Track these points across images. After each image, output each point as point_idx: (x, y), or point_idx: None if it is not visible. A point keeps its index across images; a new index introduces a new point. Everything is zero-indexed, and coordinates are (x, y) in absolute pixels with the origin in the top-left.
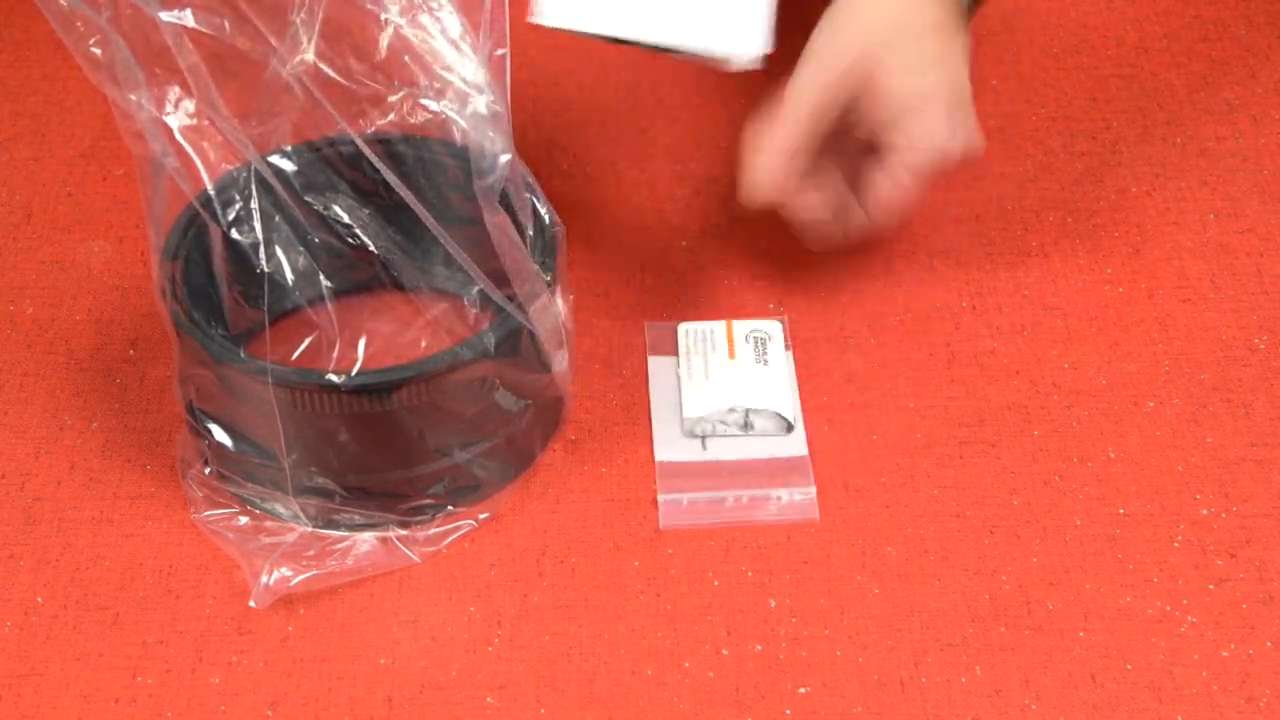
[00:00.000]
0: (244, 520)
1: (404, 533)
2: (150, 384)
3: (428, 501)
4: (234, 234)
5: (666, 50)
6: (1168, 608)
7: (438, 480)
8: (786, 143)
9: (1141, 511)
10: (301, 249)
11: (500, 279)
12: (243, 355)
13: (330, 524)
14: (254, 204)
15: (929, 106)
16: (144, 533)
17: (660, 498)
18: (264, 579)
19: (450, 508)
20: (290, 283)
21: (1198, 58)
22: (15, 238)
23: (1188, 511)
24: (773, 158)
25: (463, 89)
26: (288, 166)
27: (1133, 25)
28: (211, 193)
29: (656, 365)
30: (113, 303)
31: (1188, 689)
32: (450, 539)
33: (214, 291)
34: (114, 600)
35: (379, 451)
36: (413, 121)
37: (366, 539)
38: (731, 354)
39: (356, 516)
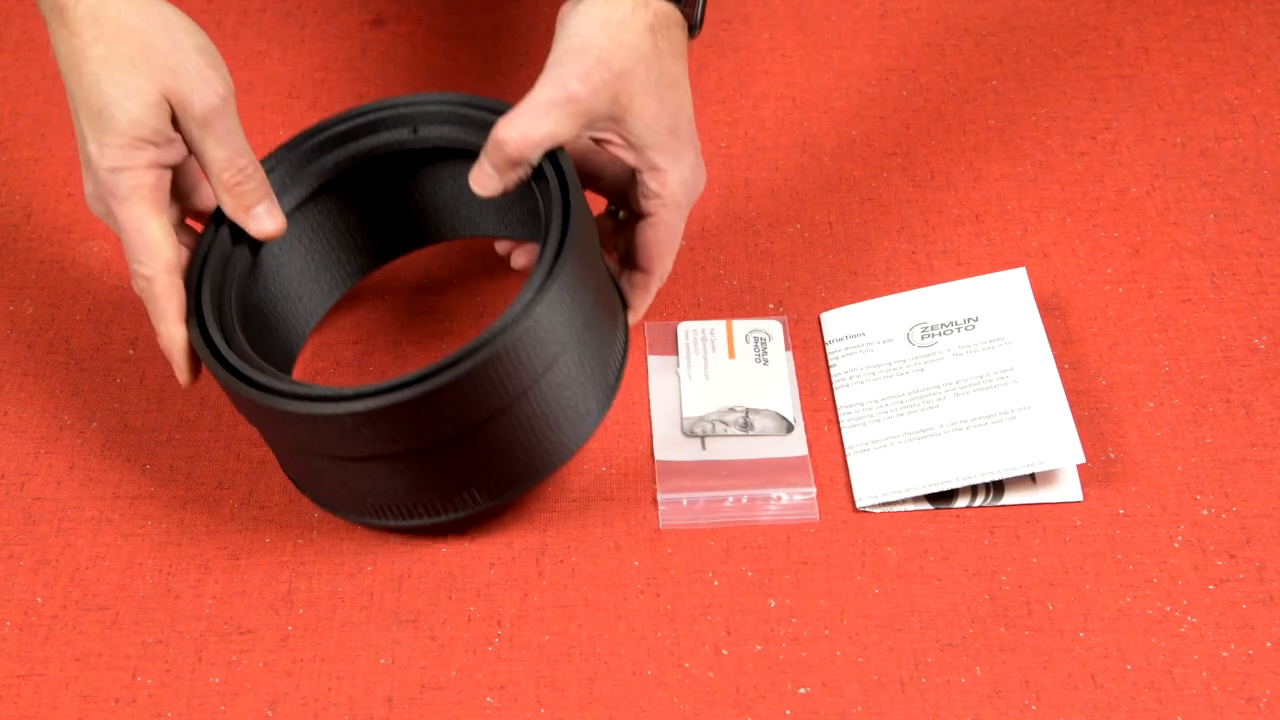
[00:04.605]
0: None
1: None
2: (150, 384)
3: None
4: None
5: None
6: (1168, 608)
7: None
8: (531, 143)
9: (1141, 511)
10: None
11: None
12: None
13: None
14: None
15: (680, 149)
16: (144, 533)
17: (660, 498)
18: None
19: None
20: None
21: (1198, 58)
22: (15, 238)
23: (1188, 511)
24: (499, 149)
25: None
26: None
27: (1133, 25)
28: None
29: (656, 365)
30: (113, 303)
31: (1188, 689)
32: None
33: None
34: (114, 600)
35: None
36: None
37: None
38: (731, 354)
39: None
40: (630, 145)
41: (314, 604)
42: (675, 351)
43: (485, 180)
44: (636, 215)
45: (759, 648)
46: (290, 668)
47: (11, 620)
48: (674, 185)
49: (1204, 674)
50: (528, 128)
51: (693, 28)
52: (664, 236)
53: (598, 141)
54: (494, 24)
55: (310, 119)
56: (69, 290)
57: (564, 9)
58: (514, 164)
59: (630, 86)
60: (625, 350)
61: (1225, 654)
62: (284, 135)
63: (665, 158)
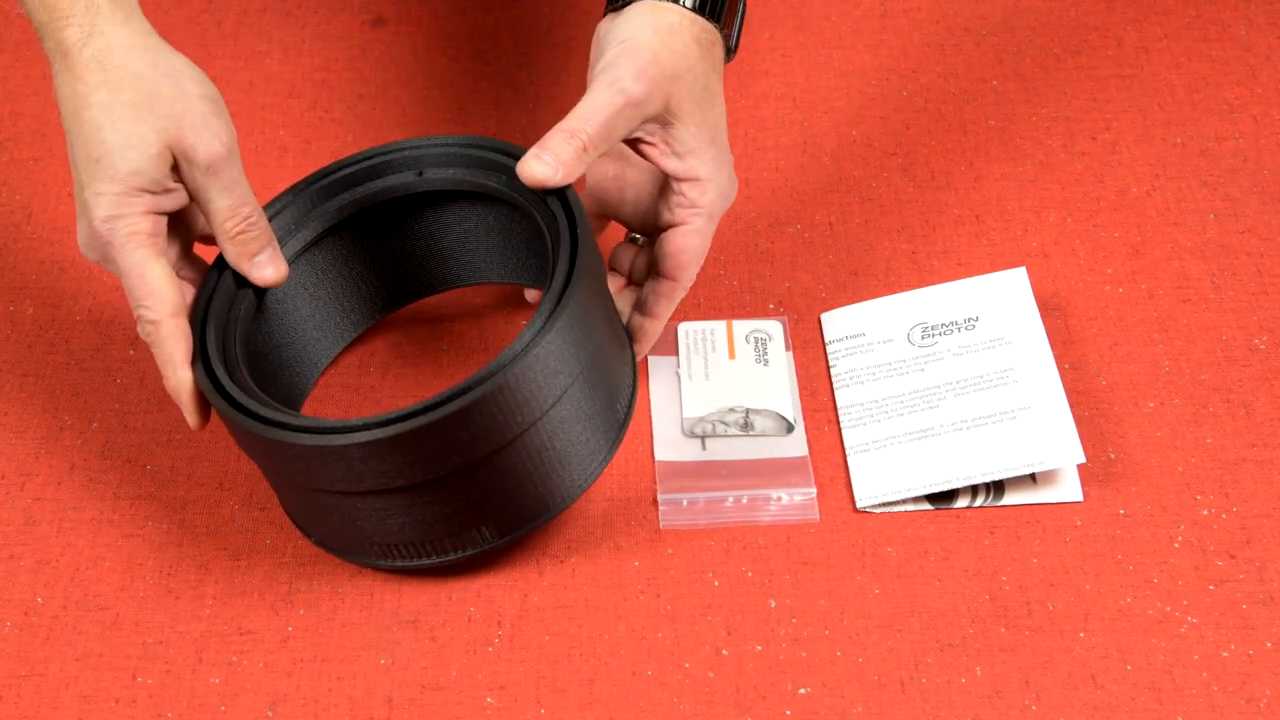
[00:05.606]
0: None
1: None
2: (150, 384)
3: None
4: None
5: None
6: (1168, 608)
7: None
8: (583, 138)
9: (1141, 511)
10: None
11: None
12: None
13: None
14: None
15: (720, 160)
16: (144, 533)
17: (660, 498)
18: None
19: None
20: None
21: (1198, 58)
22: (15, 238)
23: (1188, 511)
24: (567, 142)
25: None
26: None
27: (1133, 25)
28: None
29: (656, 365)
30: (113, 303)
31: (1188, 689)
32: None
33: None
34: (114, 600)
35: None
36: None
37: None
38: (731, 354)
39: None
40: (674, 152)
41: (314, 604)
42: (675, 352)
43: (542, 169)
44: (663, 228)
45: (759, 648)
46: (290, 668)
47: (12, 620)
48: (713, 195)
49: (1204, 674)
50: (589, 115)
51: (729, 50)
52: (696, 243)
53: (636, 142)
54: (494, 24)
55: (310, 119)
56: (69, 290)
57: (602, 25)
58: (581, 155)
59: (680, 92)
60: (634, 388)
61: (1225, 654)
62: (284, 135)
63: (707, 167)
